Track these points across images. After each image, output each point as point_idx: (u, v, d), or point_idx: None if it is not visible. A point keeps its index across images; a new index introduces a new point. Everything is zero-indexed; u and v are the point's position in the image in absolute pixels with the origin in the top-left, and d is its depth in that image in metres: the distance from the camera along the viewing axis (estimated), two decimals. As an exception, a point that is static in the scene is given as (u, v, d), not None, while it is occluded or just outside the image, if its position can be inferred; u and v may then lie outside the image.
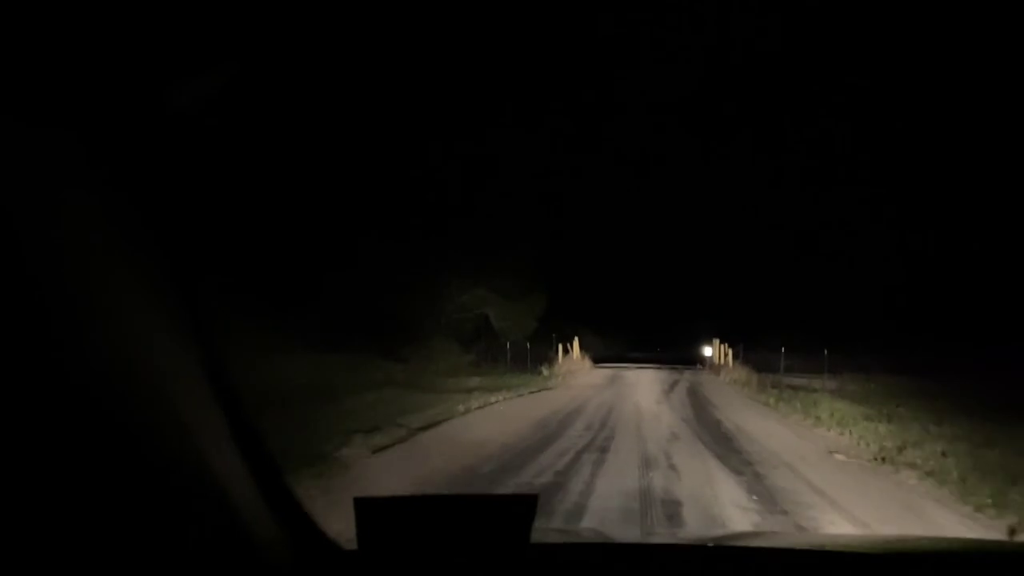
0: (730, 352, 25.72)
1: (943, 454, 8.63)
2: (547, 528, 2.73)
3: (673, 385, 20.80)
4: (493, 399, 15.54)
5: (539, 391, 18.50)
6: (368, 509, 0.98)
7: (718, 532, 5.07)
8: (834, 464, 8.70)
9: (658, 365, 29.71)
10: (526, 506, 1.05)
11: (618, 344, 49.80)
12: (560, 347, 27.08)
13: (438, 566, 0.99)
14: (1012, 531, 5.67)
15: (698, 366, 30.06)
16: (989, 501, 6.50)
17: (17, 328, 0.67)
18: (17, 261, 0.67)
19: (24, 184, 0.68)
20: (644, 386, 20.30)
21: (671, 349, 56.11)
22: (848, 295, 26.81)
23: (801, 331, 23.36)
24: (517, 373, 22.66)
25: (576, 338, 28.90)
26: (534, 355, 25.41)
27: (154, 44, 0.90)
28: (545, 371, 23.29)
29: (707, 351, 36.66)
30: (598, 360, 30.70)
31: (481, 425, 11.31)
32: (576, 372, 24.91)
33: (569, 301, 35.45)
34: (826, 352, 23.84)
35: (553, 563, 1.27)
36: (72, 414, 0.72)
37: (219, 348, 0.92)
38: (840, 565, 1.41)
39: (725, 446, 9.86)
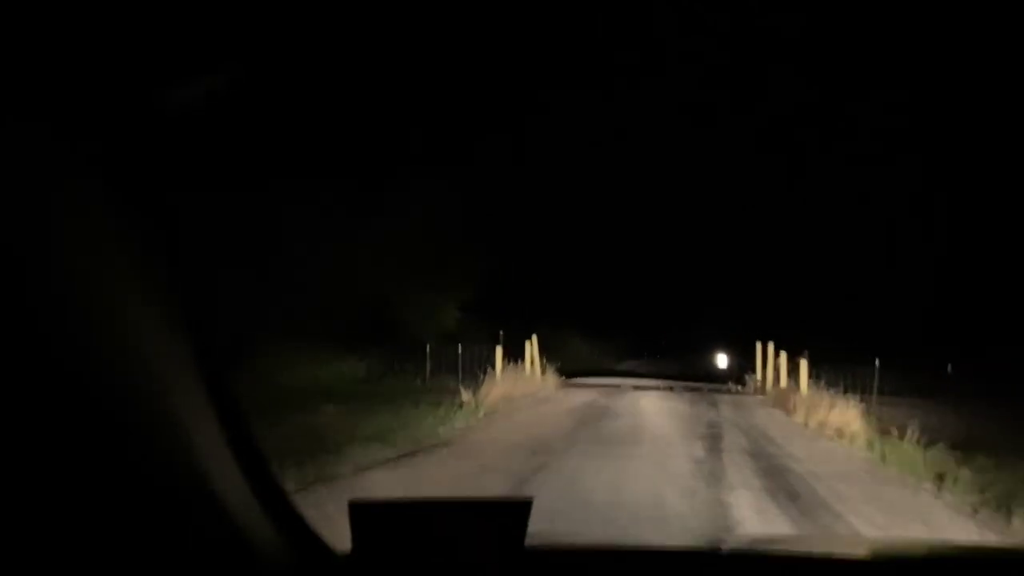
0: (803, 367, 14.29)
1: None
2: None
3: (713, 448, 9.17)
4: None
5: (404, 456, 7.54)
6: (363, 513, 1.01)
7: (723, 536, 4.44)
8: None
9: (667, 384, 18.45)
10: (521, 510, 1.05)
11: (609, 350, 41.22)
12: (501, 351, 15.91)
13: (433, 570, 1.01)
14: None
15: (732, 386, 18.57)
16: None
17: (11, 328, 0.67)
18: (13, 261, 0.67)
19: (22, 183, 0.68)
20: (651, 450, 8.77)
21: (674, 356, 47.91)
22: (881, 297, 22.41)
23: (829, 338, 17.74)
24: (422, 395, 12.44)
25: (534, 338, 17.68)
26: (477, 361, 15.52)
27: (152, 44, 0.91)
28: (466, 396, 12.16)
29: (721, 361, 30.85)
30: (573, 373, 19.84)
31: None
32: (521, 399, 13.65)
33: (541, 293, 27.15)
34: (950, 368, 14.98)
35: (549, 567, 1.28)
36: (67, 418, 0.71)
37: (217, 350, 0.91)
38: (854, 572, 1.45)
39: None
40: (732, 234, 35.86)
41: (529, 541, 1.03)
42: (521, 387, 14.80)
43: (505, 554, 1.02)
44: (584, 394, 15.43)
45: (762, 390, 16.79)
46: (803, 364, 14.32)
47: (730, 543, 2.32)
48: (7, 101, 0.67)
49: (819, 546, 2.26)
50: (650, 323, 55.71)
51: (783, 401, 13.73)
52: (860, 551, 1.86)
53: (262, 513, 0.95)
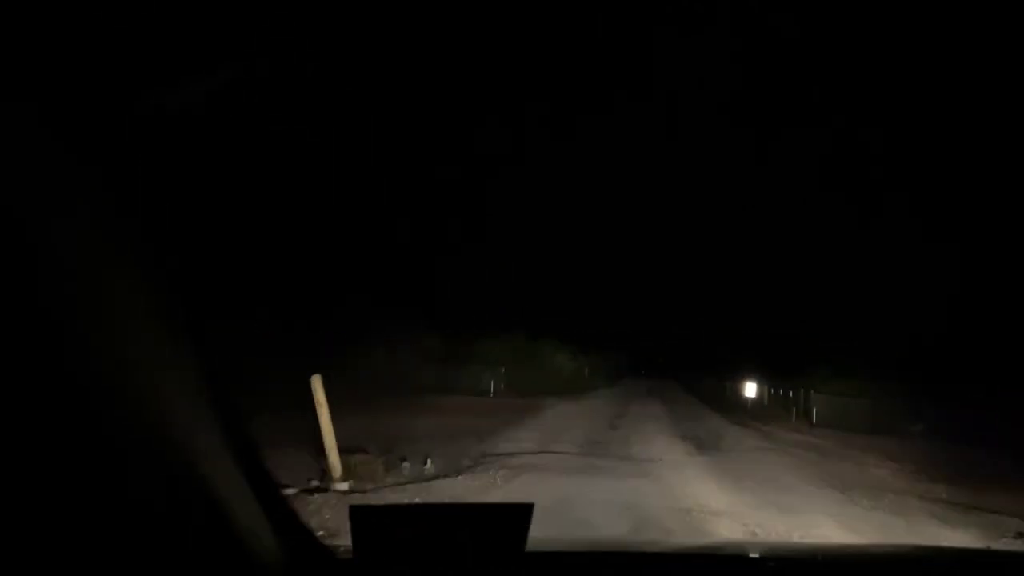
0: None
1: None
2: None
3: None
4: None
5: None
6: (364, 518, 1.02)
7: (716, 540, 4.60)
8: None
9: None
10: (522, 514, 1.05)
11: (601, 365, 36.00)
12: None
13: (434, 575, 1.01)
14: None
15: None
16: None
17: (17, 335, 0.67)
18: (12, 266, 0.67)
19: (20, 186, 0.68)
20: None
21: (683, 378, 42.66)
22: (907, 310, 20.70)
23: (856, 358, 18.47)
24: None
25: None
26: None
27: (152, 47, 1.01)
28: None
29: (750, 390, 28.05)
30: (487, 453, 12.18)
31: None
32: None
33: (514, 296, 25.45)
34: None
35: (550, 571, 1.28)
36: (69, 422, 0.72)
37: (213, 355, 0.90)
38: (843, 573, 1.52)
39: None
40: (744, 242, 35.40)
41: (530, 545, 1.04)
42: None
43: (506, 558, 1.03)
44: None
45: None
46: None
47: (725, 547, 2.46)
48: (11, 102, 0.65)
49: (814, 551, 2.28)
50: (652, 336, 49.33)
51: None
52: (851, 554, 2.00)
53: (262, 518, 0.95)
